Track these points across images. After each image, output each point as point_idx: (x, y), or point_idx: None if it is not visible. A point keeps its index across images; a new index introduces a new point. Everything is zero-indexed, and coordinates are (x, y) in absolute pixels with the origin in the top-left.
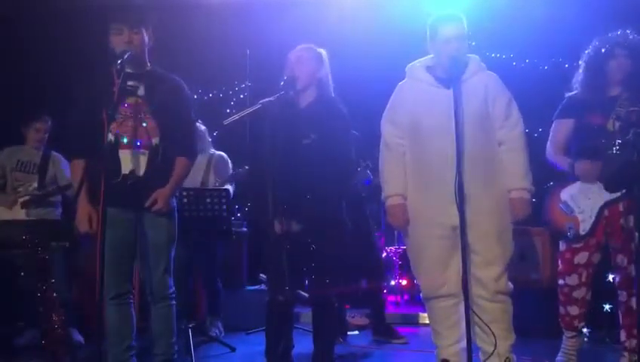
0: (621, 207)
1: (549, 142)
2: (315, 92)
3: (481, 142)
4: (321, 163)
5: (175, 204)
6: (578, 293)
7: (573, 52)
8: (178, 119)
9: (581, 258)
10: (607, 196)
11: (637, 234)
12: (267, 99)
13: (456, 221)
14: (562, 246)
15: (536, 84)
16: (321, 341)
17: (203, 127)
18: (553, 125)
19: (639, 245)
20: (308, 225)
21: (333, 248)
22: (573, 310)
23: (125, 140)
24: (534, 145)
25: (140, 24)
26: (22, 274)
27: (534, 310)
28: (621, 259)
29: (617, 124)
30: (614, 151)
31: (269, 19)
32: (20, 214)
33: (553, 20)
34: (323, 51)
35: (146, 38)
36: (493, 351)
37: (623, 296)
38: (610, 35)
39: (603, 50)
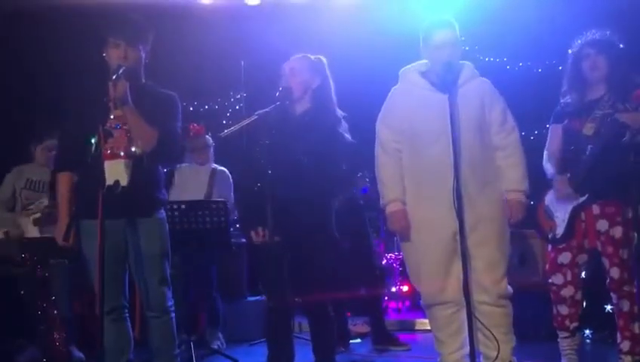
0: (595, 211)
1: (545, 149)
2: (309, 101)
3: (479, 147)
4: (310, 172)
5: (164, 215)
6: (566, 292)
7: (567, 54)
8: (162, 128)
9: (564, 258)
10: (576, 200)
11: (637, 234)
12: (263, 110)
13: (456, 226)
14: (549, 247)
15: (530, 87)
16: (319, 351)
17: (210, 141)
18: (549, 131)
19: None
20: (293, 233)
21: (317, 257)
22: (563, 309)
23: (109, 151)
24: (529, 149)
25: (137, 41)
26: (22, 291)
27: (534, 313)
28: (604, 261)
29: (593, 127)
30: (586, 156)
31: (262, 30)
32: (32, 232)
33: (546, 23)
34: (322, 58)
35: (143, 55)
36: (497, 355)
37: (614, 298)
38: (578, 38)
39: (574, 54)
